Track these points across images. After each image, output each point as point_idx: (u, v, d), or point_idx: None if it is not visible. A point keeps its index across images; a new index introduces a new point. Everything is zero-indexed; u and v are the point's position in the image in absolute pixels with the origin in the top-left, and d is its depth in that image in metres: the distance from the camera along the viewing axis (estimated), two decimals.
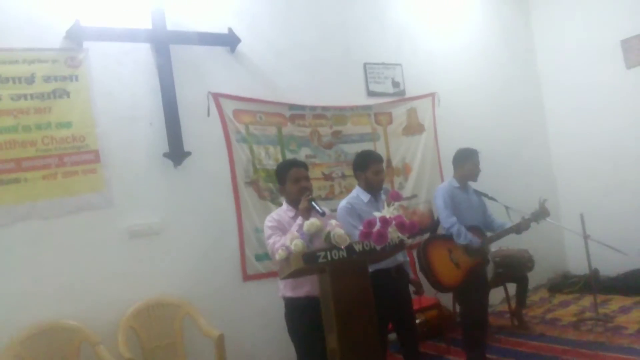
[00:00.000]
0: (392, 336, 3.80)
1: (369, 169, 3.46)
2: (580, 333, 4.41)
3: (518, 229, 3.94)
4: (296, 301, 3.00)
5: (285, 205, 3.15)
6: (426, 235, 4.40)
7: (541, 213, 3.96)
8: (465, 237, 3.85)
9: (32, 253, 3.27)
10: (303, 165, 3.21)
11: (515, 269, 4.65)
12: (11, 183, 3.26)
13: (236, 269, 4.00)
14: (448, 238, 3.93)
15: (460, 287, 3.87)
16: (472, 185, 4.20)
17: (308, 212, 2.90)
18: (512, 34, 6.25)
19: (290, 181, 3.08)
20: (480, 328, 3.85)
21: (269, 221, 3.05)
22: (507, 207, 4.13)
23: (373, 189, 3.47)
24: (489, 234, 4.09)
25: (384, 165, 3.74)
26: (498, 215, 4.24)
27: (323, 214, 2.90)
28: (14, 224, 3.25)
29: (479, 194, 4.18)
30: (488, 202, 4.26)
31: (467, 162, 4.07)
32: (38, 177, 3.33)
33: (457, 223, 3.88)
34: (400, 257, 3.46)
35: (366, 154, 3.61)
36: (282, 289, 3.07)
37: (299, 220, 2.85)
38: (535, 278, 5.38)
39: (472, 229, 3.93)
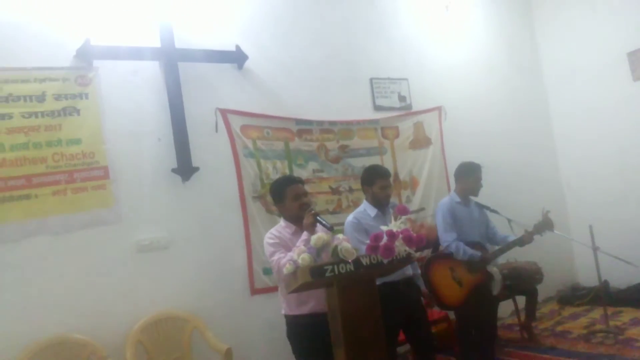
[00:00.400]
0: (401, 349, 3.78)
1: (376, 184, 3.47)
2: (591, 346, 4.37)
3: (521, 242, 3.88)
4: (300, 319, 2.97)
5: (283, 222, 3.11)
6: (430, 251, 4.37)
7: (544, 225, 3.88)
8: (464, 253, 3.80)
9: (42, 268, 3.31)
10: (300, 182, 3.18)
11: (524, 282, 4.62)
12: (22, 199, 3.31)
13: (244, 282, 4.01)
14: (449, 256, 3.88)
15: (464, 306, 3.82)
16: (474, 198, 4.16)
17: (313, 227, 2.89)
18: (517, 47, 6.28)
19: (289, 198, 3.05)
20: (477, 345, 3.82)
21: (269, 238, 3.00)
22: (509, 220, 4.07)
23: (380, 203, 3.48)
24: (493, 247, 4.05)
25: (391, 180, 3.72)
26: (501, 228, 4.21)
27: (331, 228, 2.90)
28: (24, 240, 3.29)
29: (481, 206, 4.12)
30: (491, 215, 4.22)
31: (469, 176, 4.02)
32: (48, 193, 3.38)
33: (456, 240, 3.83)
34: (409, 271, 3.46)
35: (373, 169, 3.61)
36: (286, 306, 3.04)
37: (305, 235, 2.84)
38: (544, 290, 5.33)
39: (474, 245, 3.88)
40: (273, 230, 3.08)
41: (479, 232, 4.03)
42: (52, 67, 3.47)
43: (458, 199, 4.02)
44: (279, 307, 3.14)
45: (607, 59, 5.72)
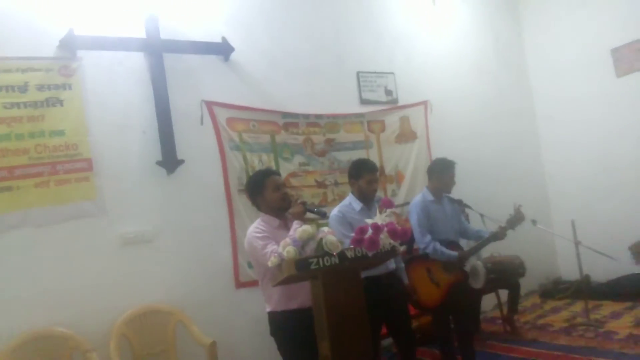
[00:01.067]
0: (386, 342, 3.81)
1: (362, 178, 3.48)
2: (572, 338, 4.44)
3: (495, 238, 3.85)
4: (288, 314, 2.94)
5: (265, 217, 3.05)
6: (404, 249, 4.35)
7: (516, 219, 3.87)
8: (442, 254, 3.78)
9: (24, 261, 3.28)
10: (278, 173, 3.20)
11: (507, 275, 4.67)
12: (3, 191, 3.26)
13: (229, 276, 4.00)
14: (426, 257, 3.86)
15: (442, 306, 3.81)
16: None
17: (302, 215, 2.90)
18: (504, 44, 6.32)
19: (269, 190, 3.02)
20: (451, 345, 3.85)
21: (257, 232, 2.94)
22: (482, 215, 4.07)
23: (366, 197, 3.49)
24: (466, 241, 4.06)
25: (378, 174, 3.71)
26: (475, 222, 4.22)
27: (325, 215, 2.92)
28: (6, 232, 3.25)
29: (453, 201, 4.07)
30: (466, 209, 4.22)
31: (443, 174, 3.93)
32: (30, 185, 3.34)
33: (432, 242, 3.81)
34: (392, 264, 3.48)
35: (360, 163, 3.61)
36: (273, 303, 2.99)
37: (296, 224, 2.81)
38: (526, 284, 5.40)
39: (448, 244, 3.85)
40: (257, 225, 3.02)
41: (452, 228, 3.98)
42: (35, 57, 3.41)
43: (431, 197, 3.95)
44: (264, 301, 3.12)
45: (591, 55, 5.78)
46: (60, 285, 3.34)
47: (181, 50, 3.91)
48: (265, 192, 3.04)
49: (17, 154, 3.31)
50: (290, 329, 2.94)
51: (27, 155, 3.34)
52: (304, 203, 2.96)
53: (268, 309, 3.05)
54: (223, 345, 3.51)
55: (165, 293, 3.68)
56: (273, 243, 2.84)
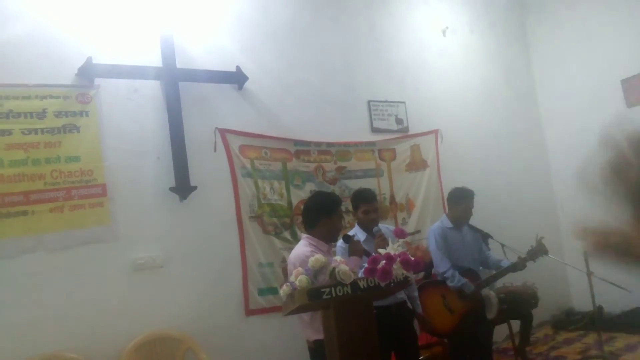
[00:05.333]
0: None
1: (359, 209, 3.51)
2: None
3: (514, 268, 3.87)
4: None
5: (313, 240, 3.10)
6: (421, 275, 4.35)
7: (538, 251, 3.88)
8: (458, 281, 3.79)
9: (37, 285, 3.29)
10: None
11: (520, 306, 4.60)
12: (19, 215, 3.30)
13: (239, 303, 3.99)
14: (441, 283, 3.86)
15: (455, 333, 3.80)
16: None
17: (361, 253, 3.07)
18: (513, 74, 6.36)
19: (337, 218, 3.20)
20: None
21: (313, 253, 2.95)
22: (502, 245, 4.07)
23: (366, 228, 3.50)
24: (487, 271, 4.04)
25: (377, 204, 3.65)
26: (495, 251, 4.21)
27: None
28: (20, 256, 3.27)
29: (475, 230, 4.11)
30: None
31: (459, 204, 4.00)
32: (45, 210, 3.37)
33: (451, 268, 3.81)
34: (402, 295, 3.46)
35: (357, 194, 3.63)
36: (317, 332, 2.86)
37: (356, 261, 2.99)
38: (538, 315, 5.31)
39: (466, 272, 3.86)
40: (309, 247, 3.04)
41: (471, 256, 3.99)
42: (54, 85, 3.49)
43: (449, 225, 3.98)
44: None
45: (601, 85, 5.79)
46: (70, 310, 3.35)
47: (196, 79, 3.98)
48: (334, 217, 3.16)
49: (33, 179, 3.36)
50: None
51: (42, 181, 3.38)
52: (359, 242, 3.16)
53: (314, 338, 2.96)
54: None
55: (175, 319, 3.67)
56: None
